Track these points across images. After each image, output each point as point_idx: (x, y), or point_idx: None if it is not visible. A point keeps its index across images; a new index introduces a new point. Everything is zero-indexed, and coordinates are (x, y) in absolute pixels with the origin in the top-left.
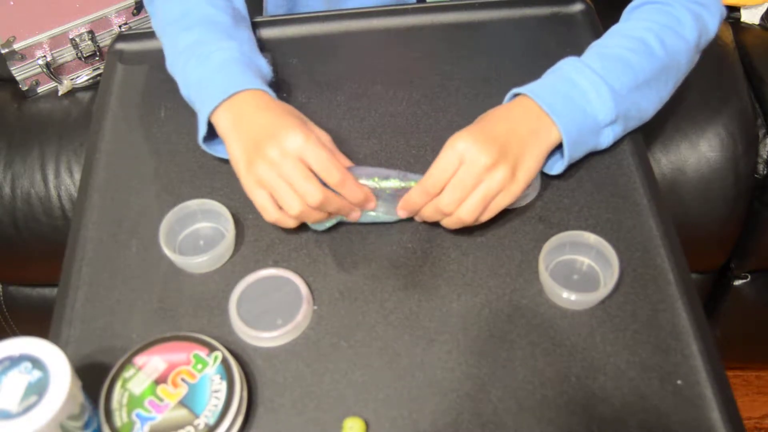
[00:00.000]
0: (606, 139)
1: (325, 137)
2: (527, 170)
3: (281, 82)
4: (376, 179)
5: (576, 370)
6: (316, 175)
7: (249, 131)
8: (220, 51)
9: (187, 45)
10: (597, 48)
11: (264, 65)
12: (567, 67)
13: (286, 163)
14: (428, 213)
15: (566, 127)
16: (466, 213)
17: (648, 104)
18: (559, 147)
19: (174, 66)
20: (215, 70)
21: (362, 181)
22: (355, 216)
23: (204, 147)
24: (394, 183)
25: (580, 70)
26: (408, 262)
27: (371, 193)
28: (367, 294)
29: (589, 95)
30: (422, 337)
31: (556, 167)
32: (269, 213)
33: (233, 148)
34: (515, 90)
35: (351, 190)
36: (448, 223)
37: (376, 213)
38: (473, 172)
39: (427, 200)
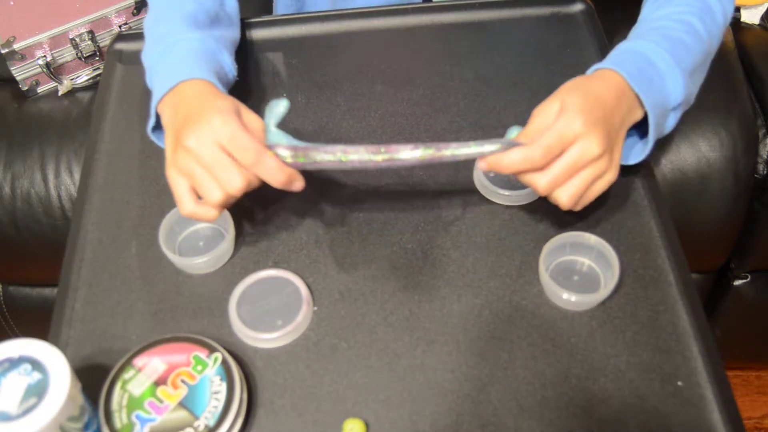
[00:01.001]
0: (670, 124)
1: (256, 123)
2: (619, 156)
3: (281, 82)
4: (340, 154)
5: (576, 371)
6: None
7: (179, 122)
8: (183, 42)
9: (157, 35)
10: (657, 30)
11: (227, 64)
12: (642, 46)
13: (205, 150)
14: (524, 180)
15: (652, 108)
16: (566, 197)
17: (696, 89)
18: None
19: (144, 56)
20: (171, 60)
21: (323, 156)
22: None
23: (153, 138)
24: (377, 157)
25: (655, 50)
26: (408, 263)
27: (297, 174)
28: (367, 295)
29: (665, 77)
30: (422, 339)
31: (634, 156)
32: (184, 205)
33: (166, 141)
34: (598, 65)
35: (268, 171)
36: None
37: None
38: (583, 160)
39: (528, 169)
